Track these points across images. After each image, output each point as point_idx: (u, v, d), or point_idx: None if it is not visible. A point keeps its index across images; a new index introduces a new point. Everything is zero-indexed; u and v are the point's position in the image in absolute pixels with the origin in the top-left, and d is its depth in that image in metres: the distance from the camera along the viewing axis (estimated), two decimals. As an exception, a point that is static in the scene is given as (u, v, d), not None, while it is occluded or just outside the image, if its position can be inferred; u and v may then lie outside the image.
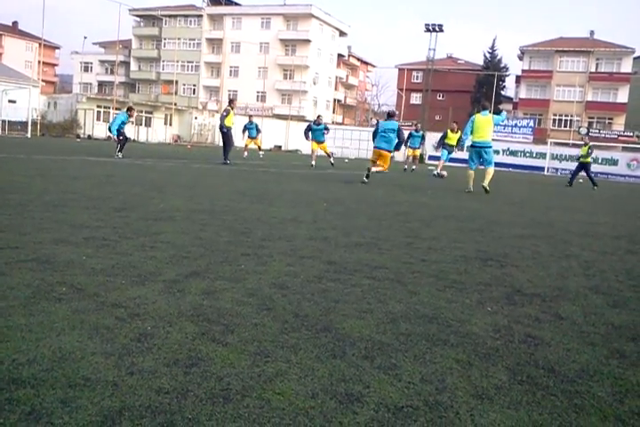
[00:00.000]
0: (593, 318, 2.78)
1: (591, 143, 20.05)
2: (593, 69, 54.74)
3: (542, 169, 38.93)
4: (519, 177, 27.12)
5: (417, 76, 64.46)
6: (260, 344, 2.09)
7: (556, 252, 4.71)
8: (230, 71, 64.36)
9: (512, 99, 61.40)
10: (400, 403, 1.70)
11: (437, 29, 48.23)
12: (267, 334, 2.21)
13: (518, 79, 58.62)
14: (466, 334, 2.39)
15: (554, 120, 55.40)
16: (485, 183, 11.38)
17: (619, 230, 6.82)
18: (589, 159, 19.76)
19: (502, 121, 12.60)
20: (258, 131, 23.75)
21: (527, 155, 42.04)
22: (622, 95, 53.88)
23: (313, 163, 18.38)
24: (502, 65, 61.34)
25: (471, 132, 11.50)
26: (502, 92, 62.77)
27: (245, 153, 22.87)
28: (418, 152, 23.19)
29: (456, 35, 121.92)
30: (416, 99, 63.87)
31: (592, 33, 58.48)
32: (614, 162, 37.45)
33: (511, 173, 33.41)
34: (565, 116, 54.66)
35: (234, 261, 3.46)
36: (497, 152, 43.02)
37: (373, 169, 12.13)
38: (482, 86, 59.04)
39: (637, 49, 54.25)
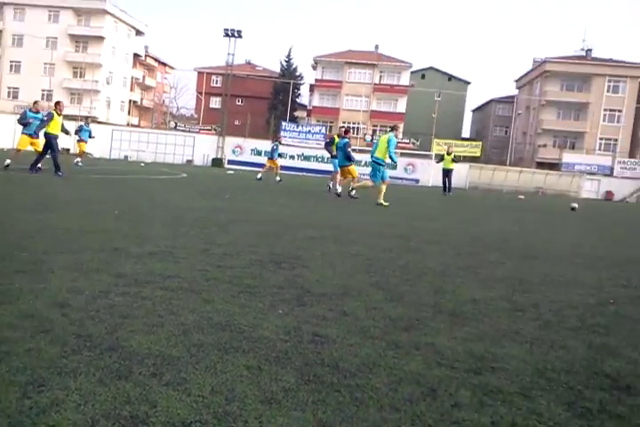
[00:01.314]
0: (373, 312, 3.01)
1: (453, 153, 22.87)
2: (377, 81, 59.69)
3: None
4: (314, 181, 28.48)
5: (216, 80, 64.48)
6: (34, 372, 1.90)
7: (344, 251, 5.03)
8: (11, 66, 58.36)
9: (306, 106, 64.38)
10: (189, 419, 1.66)
11: (236, 35, 48.72)
12: (42, 360, 2.01)
13: (312, 88, 61.69)
14: (257, 339, 2.42)
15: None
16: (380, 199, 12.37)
17: (401, 230, 7.50)
18: (452, 166, 22.52)
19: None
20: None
21: (320, 160, 44.56)
22: (401, 105, 59.63)
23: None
24: (298, 73, 64.07)
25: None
26: (298, 100, 65.52)
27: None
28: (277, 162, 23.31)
29: (255, 41, 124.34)
30: (215, 103, 63.86)
31: (377, 47, 63.74)
32: (394, 166, 41.33)
33: (306, 177, 35.02)
34: (353, 123, 58.82)
35: (5, 279, 3.11)
36: (292, 157, 45.13)
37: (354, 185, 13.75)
38: (279, 93, 61.06)
39: (414, 64, 60.50)
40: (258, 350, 2.30)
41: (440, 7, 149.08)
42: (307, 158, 45.61)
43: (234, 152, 46.93)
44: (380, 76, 60.15)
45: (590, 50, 60.11)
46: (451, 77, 70.62)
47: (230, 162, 45.79)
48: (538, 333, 2.87)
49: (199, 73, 65.93)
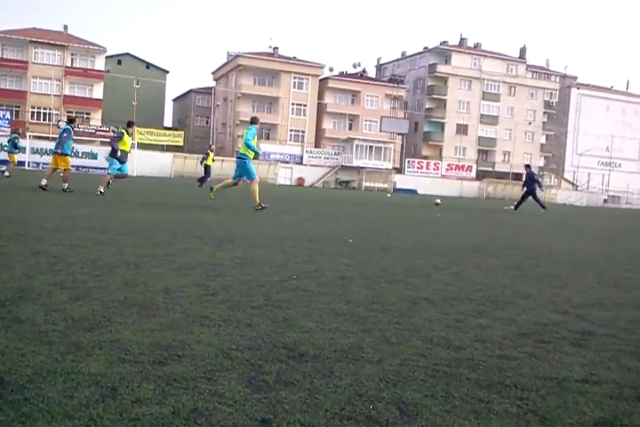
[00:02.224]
0: (54, 314, 2.74)
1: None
2: (69, 64, 55.22)
3: (23, 164, 37.39)
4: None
5: None
6: None
7: (25, 250, 4.51)
8: None
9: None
10: None
11: None
12: None
13: (-12, 66, 54.11)
14: None
15: (32, 113, 53.60)
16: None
17: (91, 222, 7.06)
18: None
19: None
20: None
21: (6, 149, 39.58)
22: (97, 91, 56.35)
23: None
24: (-32, 49, 55.43)
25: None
26: (-29, 80, 56.85)
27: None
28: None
29: None
30: None
31: (66, 27, 58.75)
32: (94, 155, 39.18)
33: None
34: (44, 108, 53.58)
35: None
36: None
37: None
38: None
39: (108, 48, 57.50)
40: None
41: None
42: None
43: None
44: (72, 59, 55.85)
45: (277, 48, 65.00)
46: (149, 65, 69.32)
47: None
48: (226, 314, 2.97)
49: None
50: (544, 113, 74.07)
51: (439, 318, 3.22)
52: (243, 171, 12.02)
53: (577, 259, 6.92)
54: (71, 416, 1.69)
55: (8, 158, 22.01)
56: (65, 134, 13.67)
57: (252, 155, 11.97)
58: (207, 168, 24.89)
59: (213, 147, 28.96)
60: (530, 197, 20.61)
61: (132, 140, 13.90)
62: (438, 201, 22.98)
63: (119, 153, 13.67)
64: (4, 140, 22.68)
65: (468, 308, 3.56)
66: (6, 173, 20.83)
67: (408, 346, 2.64)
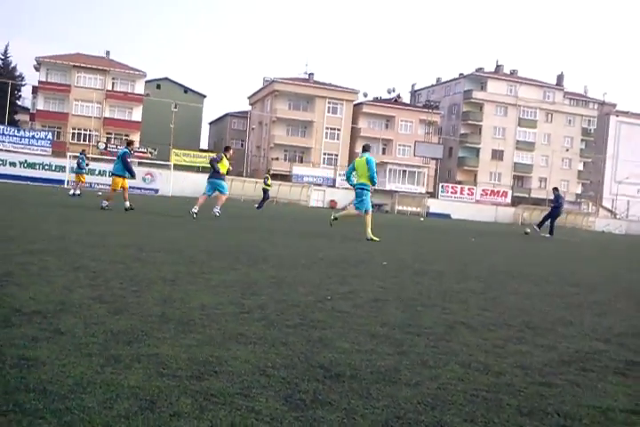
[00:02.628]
0: (94, 327, 2.78)
1: None
2: (110, 88, 56.93)
3: (63, 182, 38.45)
4: (40, 189, 25.83)
5: None
6: None
7: (65, 265, 4.60)
8: None
9: (29, 109, 58.42)
10: None
11: None
12: None
13: (35, 90, 56.19)
14: (-57, 371, 2.04)
15: (73, 134, 55.24)
16: None
17: (130, 240, 7.18)
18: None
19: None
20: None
21: (46, 167, 40.95)
22: (137, 114, 57.84)
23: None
24: (18, 73, 57.82)
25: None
26: (19, 102, 59.15)
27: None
28: None
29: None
30: None
31: (108, 53, 60.86)
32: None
33: (30, 186, 31.61)
34: (85, 130, 55.17)
35: None
36: (13, 164, 40.46)
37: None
38: (-5, 93, 54.26)
39: (148, 73, 59.19)
40: (-58, 383, 1.93)
41: (173, 18, 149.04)
42: (31, 166, 41.24)
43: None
44: (113, 83, 57.58)
45: (312, 74, 65.97)
46: (187, 90, 70.98)
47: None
48: (262, 332, 2.97)
49: None
50: (582, 140, 73.08)
51: (477, 343, 3.15)
52: (363, 200, 11.16)
53: (618, 287, 6.73)
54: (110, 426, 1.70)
55: (74, 179, 22.96)
56: (124, 158, 14.44)
57: (370, 185, 11.21)
58: (265, 191, 26.66)
59: (272, 172, 30.68)
60: (550, 219, 20.38)
61: (228, 164, 14.59)
62: (528, 230, 21.32)
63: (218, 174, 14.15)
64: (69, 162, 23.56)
65: (506, 333, 3.48)
66: (71, 192, 21.77)
67: (446, 370, 2.59)
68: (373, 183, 11.21)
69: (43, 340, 2.51)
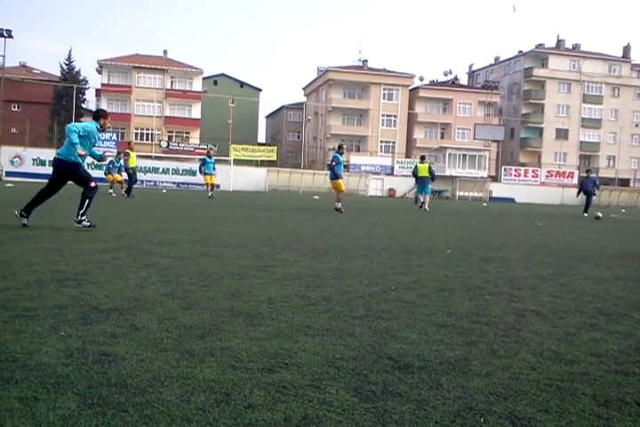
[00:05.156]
0: (167, 323, 2.89)
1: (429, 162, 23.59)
2: (169, 86, 58.33)
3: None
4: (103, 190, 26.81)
5: (-14, 84, 57.61)
6: None
7: (136, 263, 4.79)
8: None
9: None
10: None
11: (6, 35, 44.18)
12: None
13: (98, 92, 58.22)
14: (34, 367, 2.18)
15: (136, 134, 56.98)
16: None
17: (195, 236, 7.38)
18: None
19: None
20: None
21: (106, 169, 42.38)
22: (196, 111, 59.06)
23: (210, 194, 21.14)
24: (81, 77, 60.03)
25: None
26: (84, 105, 61.45)
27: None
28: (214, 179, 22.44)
29: (29, 43, 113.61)
30: (-15, 109, 57.02)
31: (165, 52, 62.28)
32: (193, 173, 40.90)
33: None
34: (147, 129, 56.82)
35: None
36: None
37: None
38: (61, 98, 56.61)
39: (205, 70, 60.25)
40: (33, 378, 2.06)
41: (226, 14, 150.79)
42: (98, 167, 42.95)
43: (12, 163, 42.38)
44: (172, 82, 58.91)
45: (366, 60, 65.36)
46: (243, 84, 71.78)
47: (9, 174, 41.31)
48: (328, 324, 3.00)
49: (-38, 75, 58.34)
50: (652, 114, 69.42)
51: (549, 331, 3.08)
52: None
53: (698, 269, 6.40)
54: (189, 420, 1.77)
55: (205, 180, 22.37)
56: (335, 162, 15.56)
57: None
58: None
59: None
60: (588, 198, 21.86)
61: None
62: (600, 214, 20.69)
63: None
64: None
65: (579, 321, 3.38)
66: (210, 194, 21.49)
67: (517, 359, 2.55)
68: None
69: (120, 336, 2.63)
